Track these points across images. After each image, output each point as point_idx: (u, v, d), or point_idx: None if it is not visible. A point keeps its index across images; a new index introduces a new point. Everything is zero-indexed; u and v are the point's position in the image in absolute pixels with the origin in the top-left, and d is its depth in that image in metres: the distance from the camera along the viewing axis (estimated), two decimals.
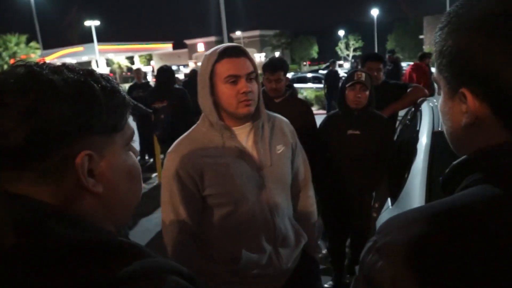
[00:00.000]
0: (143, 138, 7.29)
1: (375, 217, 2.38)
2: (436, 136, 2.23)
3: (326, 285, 3.01)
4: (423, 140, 2.27)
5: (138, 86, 7.01)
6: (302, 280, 1.70)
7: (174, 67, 6.49)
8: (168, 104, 4.74)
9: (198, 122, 1.58)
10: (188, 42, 63.06)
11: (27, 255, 0.49)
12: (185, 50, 61.17)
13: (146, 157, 7.60)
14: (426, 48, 39.90)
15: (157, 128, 4.86)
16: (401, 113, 3.64)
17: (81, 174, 0.57)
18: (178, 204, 1.49)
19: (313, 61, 65.05)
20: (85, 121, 0.57)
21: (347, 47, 60.77)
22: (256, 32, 62.59)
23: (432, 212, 0.55)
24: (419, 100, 3.17)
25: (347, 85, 2.62)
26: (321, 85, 15.81)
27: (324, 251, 3.17)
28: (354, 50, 59.47)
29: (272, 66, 2.78)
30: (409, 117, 3.31)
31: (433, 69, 9.04)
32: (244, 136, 1.54)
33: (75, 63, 0.68)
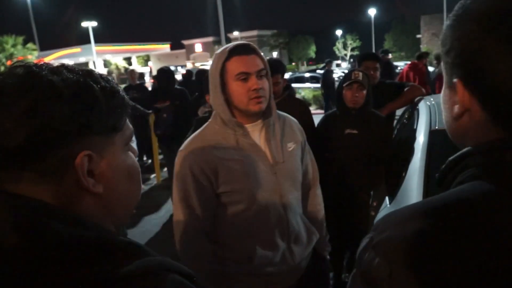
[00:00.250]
0: (140, 139, 7.29)
1: (373, 215, 2.39)
2: (433, 135, 2.24)
3: None
4: (421, 138, 2.28)
5: (133, 87, 7.01)
6: (313, 278, 1.71)
7: (171, 68, 6.49)
8: (171, 104, 4.85)
9: (209, 120, 1.57)
10: (185, 42, 62.97)
11: (28, 255, 0.49)
12: (183, 50, 61.08)
13: (144, 158, 7.59)
14: (423, 47, 39.95)
15: (159, 127, 4.94)
16: (398, 112, 3.65)
17: (81, 174, 0.57)
18: (192, 202, 1.48)
19: (311, 61, 65.03)
20: (84, 122, 0.57)
21: (344, 46, 60.77)
22: (254, 32, 62.54)
23: (427, 209, 0.55)
24: (416, 99, 3.18)
25: (344, 85, 2.63)
26: (319, 85, 15.84)
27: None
28: (352, 49, 59.49)
29: (270, 69, 2.78)
30: (406, 116, 3.32)
31: (431, 68, 9.05)
32: (256, 133, 1.55)
33: (73, 64, 0.69)
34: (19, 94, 0.54)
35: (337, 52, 60.96)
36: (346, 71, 2.95)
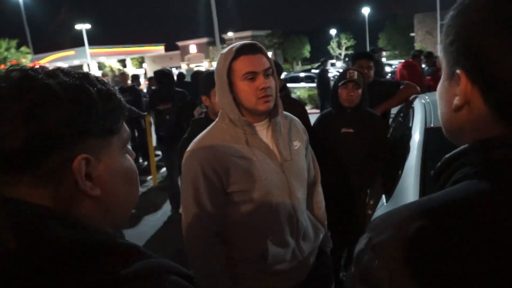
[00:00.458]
0: (136, 141, 7.30)
1: (370, 214, 2.39)
2: (428, 133, 2.25)
3: None
4: (416, 137, 2.29)
5: (125, 90, 7.01)
6: (319, 273, 1.73)
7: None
8: (172, 106, 4.94)
9: (216, 119, 1.57)
10: (180, 44, 62.85)
11: (27, 258, 0.49)
12: (177, 52, 60.97)
13: (140, 160, 7.58)
14: (417, 45, 40.10)
15: (162, 129, 5.02)
16: (393, 110, 3.66)
17: (78, 177, 0.57)
18: (204, 201, 1.47)
19: (305, 61, 65.11)
20: (82, 125, 0.57)
21: (339, 46, 60.91)
22: (248, 33, 62.53)
23: (425, 209, 0.55)
24: (411, 97, 3.19)
25: (339, 84, 2.63)
26: (314, 85, 15.85)
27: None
28: (346, 49, 59.63)
29: None
30: (401, 114, 3.33)
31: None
32: (263, 132, 1.55)
33: (68, 67, 0.69)
34: (15, 98, 0.54)
35: (331, 51, 61.07)
36: (341, 70, 2.95)
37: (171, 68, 7.28)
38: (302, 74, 18.20)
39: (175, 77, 6.72)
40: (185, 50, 60.08)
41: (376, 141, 2.63)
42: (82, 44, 31.17)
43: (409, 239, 0.52)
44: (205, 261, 1.47)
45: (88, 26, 31.78)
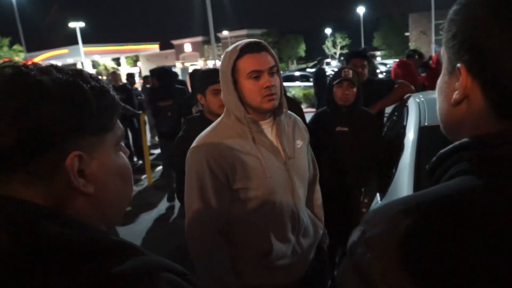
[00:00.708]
0: (129, 140, 7.29)
1: (365, 212, 2.40)
2: (422, 131, 2.26)
3: None
4: (410, 135, 2.30)
5: (116, 89, 7.01)
6: (317, 269, 1.74)
7: None
8: (174, 103, 5.04)
9: (221, 116, 1.57)
10: (175, 42, 62.66)
11: (19, 256, 0.49)
12: (172, 50, 60.81)
13: (135, 159, 7.56)
14: (412, 45, 40.24)
15: (164, 125, 5.14)
16: (388, 109, 3.67)
17: (71, 174, 0.57)
18: (209, 198, 1.46)
19: (300, 60, 65.18)
20: (75, 122, 0.57)
21: (334, 45, 61.05)
22: (244, 32, 62.47)
23: (417, 203, 0.55)
24: (405, 96, 3.20)
25: (334, 83, 2.64)
26: (309, 84, 15.87)
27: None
28: (341, 48, 59.77)
29: None
30: (396, 113, 3.34)
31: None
32: (268, 130, 1.56)
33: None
34: (8, 95, 0.54)
35: (326, 50, 61.20)
36: (336, 69, 2.96)
37: (170, 66, 7.33)
38: (297, 73, 18.22)
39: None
40: (180, 49, 59.94)
41: (371, 140, 2.64)
42: (76, 43, 31.02)
43: (402, 233, 0.52)
44: (208, 257, 1.47)
45: (82, 24, 31.63)
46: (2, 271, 0.48)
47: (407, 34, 47.53)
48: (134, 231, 4.45)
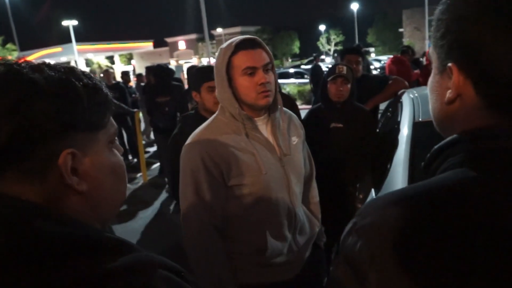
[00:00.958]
0: (123, 138, 7.27)
1: (360, 208, 2.41)
2: (417, 127, 2.27)
3: None
4: (404, 131, 2.31)
5: (109, 88, 6.99)
6: (313, 267, 1.74)
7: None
8: (171, 99, 5.21)
9: (216, 113, 1.57)
10: (168, 40, 62.39)
11: (13, 253, 0.48)
12: (166, 48, 60.54)
13: (130, 157, 7.54)
14: (405, 41, 40.34)
15: (162, 121, 5.27)
16: (382, 106, 3.69)
17: (64, 172, 0.57)
18: (204, 195, 1.45)
19: (295, 57, 65.13)
20: (67, 119, 0.57)
21: (328, 41, 61.02)
22: (238, 29, 62.28)
23: (409, 195, 0.56)
24: (399, 92, 3.22)
25: (328, 79, 2.64)
26: (304, 80, 15.87)
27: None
28: (336, 44, 59.75)
29: None
30: (390, 109, 3.36)
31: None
32: (263, 127, 1.55)
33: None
34: (0, 93, 0.53)
35: (321, 47, 61.15)
36: (331, 66, 2.97)
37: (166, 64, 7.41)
38: (291, 70, 18.22)
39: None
40: (174, 47, 59.71)
41: (365, 136, 2.65)
42: (69, 41, 30.78)
43: (392, 223, 0.53)
44: (204, 254, 1.46)
45: (75, 22, 31.38)
46: None
47: (401, 30, 47.62)
48: (130, 229, 4.44)
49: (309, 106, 10.70)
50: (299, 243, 1.63)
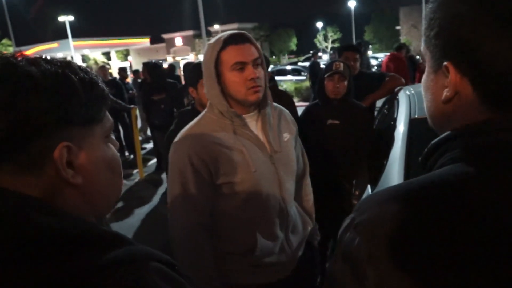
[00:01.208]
0: (120, 133, 7.26)
1: (356, 204, 2.42)
2: (413, 124, 2.28)
3: None
4: (401, 127, 2.32)
5: (105, 84, 6.97)
6: (306, 266, 1.71)
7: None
8: (167, 96, 5.28)
9: (205, 110, 1.54)
10: (165, 36, 62.11)
11: (8, 246, 0.48)
12: (163, 44, 60.30)
13: (126, 154, 7.52)
14: (402, 39, 40.38)
15: (158, 118, 5.34)
16: (379, 102, 3.70)
17: (60, 165, 0.57)
18: (192, 193, 1.43)
19: (292, 54, 65.03)
20: (63, 113, 0.57)
21: (325, 39, 60.95)
22: (235, 26, 62.05)
23: (407, 190, 0.57)
24: (396, 89, 3.22)
25: (325, 76, 2.65)
26: (301, 77, 15.87)
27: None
28: (333, 42, 59.70)
29: None
30: (386, 106, 3.36)
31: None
32: (252, 123, 1.52)
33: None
34: None
35: (318, 44, 61.09)
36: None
37: (159, 60, 7.44)
38: (288, 67, 18.22)
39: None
40: (170, 43, 59.46)
41: (362, 133, 2.65)
42: (66, 37, 30.62)
43: (389, 218, 0.53)
44: (190, 255, 1.43)
45: (71, 18, 31.21)
46: None
47: (398, 28, 47.65)
48: (127, 226, 4.44)
49: (306, 103, 10.72)
50: (292, 243, 1.60)
